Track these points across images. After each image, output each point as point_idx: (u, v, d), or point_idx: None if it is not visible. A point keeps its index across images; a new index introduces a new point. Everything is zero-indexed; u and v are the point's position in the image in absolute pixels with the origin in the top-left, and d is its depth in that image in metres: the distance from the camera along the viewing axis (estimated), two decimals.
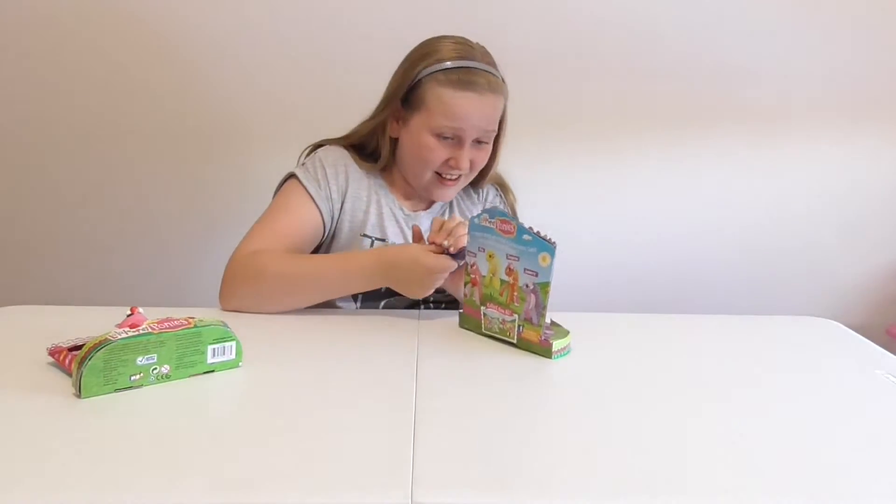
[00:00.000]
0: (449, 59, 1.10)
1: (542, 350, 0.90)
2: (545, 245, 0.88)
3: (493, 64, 1.14)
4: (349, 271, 1.04)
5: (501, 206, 1.27)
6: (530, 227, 0.90)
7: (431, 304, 1.18)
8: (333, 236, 1.16)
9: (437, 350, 0.91)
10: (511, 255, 0.92)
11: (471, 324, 0.99)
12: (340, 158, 1.17)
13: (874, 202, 1.88)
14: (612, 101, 1.78)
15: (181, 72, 1.70)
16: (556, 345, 0.89)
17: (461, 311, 1.01)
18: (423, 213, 1.21)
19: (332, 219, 1.15)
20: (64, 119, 1.72)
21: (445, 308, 1.17)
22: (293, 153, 1.24)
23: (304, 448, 0.63)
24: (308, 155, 1.21)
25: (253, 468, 0.59)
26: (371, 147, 1.19)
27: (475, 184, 1.24)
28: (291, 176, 1.15)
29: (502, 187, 1.28)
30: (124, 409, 0.70)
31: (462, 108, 1.09)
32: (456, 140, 1.11)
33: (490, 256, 0.94)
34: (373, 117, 1.18)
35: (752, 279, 1.90)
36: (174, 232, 1.81)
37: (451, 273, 0.98)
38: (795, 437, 0.70)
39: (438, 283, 0.99)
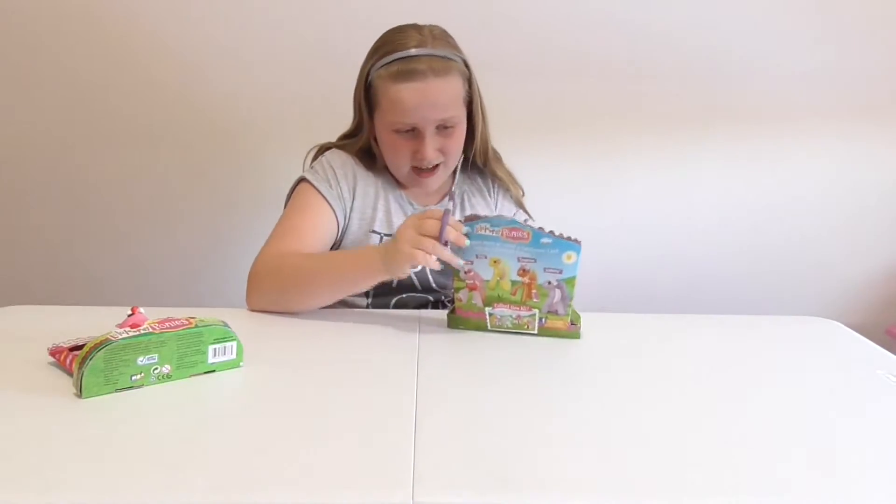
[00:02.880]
0: (391, 52, 1.09)
1: (570, 334, 0.96)
2: (569, 245, 0.90)
3: (448, 45, 1.11)
4: (357, 264, 1.02)
5: (512, 209, 1.26)
6: (549, 231, 0.91)
7: (440, 305, 1.19)
8: (343, 234, 1.17)
9: (438, 349, 0.91)
10: (524, 258, 0.92)
11: (468, 324, 0.99)
12: (347, 161, 1.18)
13: (874, 202, 1.88)
14: (610, 100, 1.78)
15: (184, 72, 1.70)
16: (580, 325, 0.96)
17: (450, 313, 1.01)
18: (434, 207, 1.21)
19: (345, 217, 1.16)
20: (65, 119, 1.72)
21: None
22: (296, 155, 1.25)
23: (306, 448, 0.63)
24: (314, 158, 1.22)
25: (254, 468, 0.59)
26: (370, 149, 1.20)
27: (476, 167, 1.23)
28: (302, 180, 1.16)
29: (509, 183, 1.25)
30: (125, 409, 0.70)
31: (407, 100, 1.07)
32: (416, 132, 1.10)
33: (495, 262, 0.93)
34: (353, 123, 1.20)
35: (752, 279, 1.90)
36: (176, 232, 1.81)
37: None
38: (795, 436, 0.70)
39: (418, 255, 0.91)
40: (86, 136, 1.74)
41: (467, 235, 0.92)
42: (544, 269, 0.92)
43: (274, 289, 1.04)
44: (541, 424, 0.71)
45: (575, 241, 0.90)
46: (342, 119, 1.22)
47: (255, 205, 1.77)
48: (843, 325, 1.09)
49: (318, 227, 1.12)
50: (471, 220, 0.93)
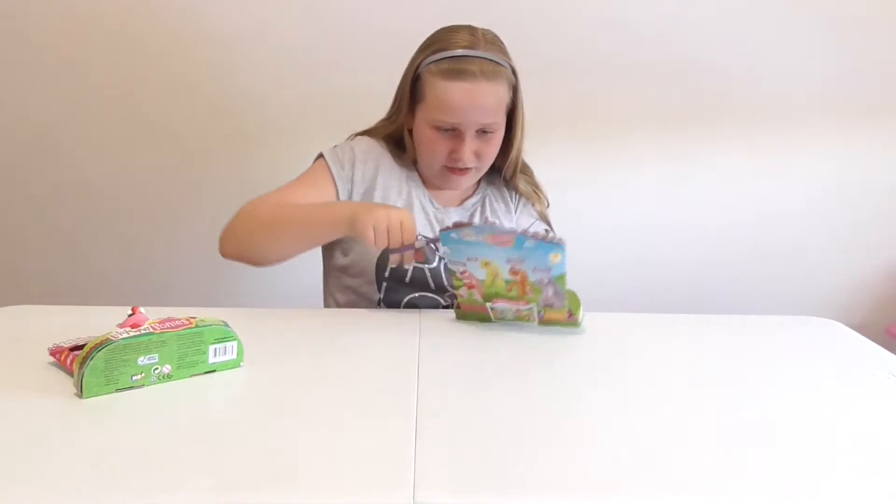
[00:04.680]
0: (445, 49, 1.09)
1: (570, 324, 0.96)
2: (553, 246, 0.89)
3: (500, 51, 1.12)
4: (324, 218, 1.07)
5: (530, 221, 1.26)
6: (533, 233, 0.90)
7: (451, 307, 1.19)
8: None
9: (439, 349, 0.91)
10: (513, 259, 0.92)
11: (473, 317, 1.00)
12: (374, 149, 1.19)
13: (874, 202, 1.88)
14: (611, 101, 1.78)
15: (186, 72, 1.70)
16: (580, 315, 0.96)
17: (457, 308, 1.02)
18: (453, 210, 1.22)
19: (349, 194, 1.17)
20: (66, 118, 1.72)
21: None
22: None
23: (306, 448, 0.63)
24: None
25: (254, 468, 0.59)
26: (399, 139, 1.21)
27: (504, 175, 1.23)
28: (320, 156, 1.18)
29: (532, 196, 1.26)
30: (126, 409, 0.70)
31: (454, 99, 1.08)
32: (456, 132, 1.11)
33: (486, 264, 0.94)
34: (391, 110, 1.20)
35: (752, 279, 1.90)
36: (177, 232, 1.80)
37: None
38: (795, 436, 0.70)
39: (378, 233, 0.99)
40: (87, 135, 1.73)
41: (455, 240, 0.94)
42: (533, 269, 0.92)
43: (241, 234, 1.08)
44: (542, 424, 0.71)
45: (558, 241, 0.89)
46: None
47: None
48: (843, 325, 1.09)
49: (313, 200, 1.13)
50: (457, 226, 0.94)
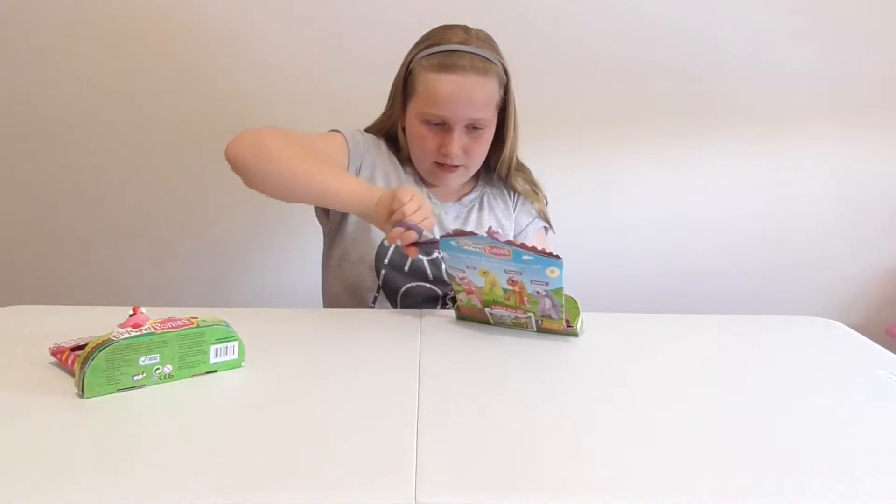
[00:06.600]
0: (436, 45, 1.11)
1: (568, 333, 0.95)
2: (551, 261, 0.89)
3: (492, 50, 1.13)
4: (356, 188, 1.04)
5: (528, 220, 1.26)
6: (531, 247, 0.90)
7: (446, 300, 1.19)
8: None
9: (440, 349, 0.91)
10: (510, 270, 0.92)
11: (473, 319, 1.01)
12: (381, 143, 1.21)
13: (874, 202, 1.88)
14: (610, 100, 1.78)
15: (187, 71, 1.70)
16: (578, 324, 0.95)
17: (457, 308, 1.02)
18: (451, 204, 1.22)
19: (356, 173, 1.16)
20: (65, 118, 1.72)
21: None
22: None
23: (307, 448, 0.63)
24: None
25: (255, 468, 0.59)
26: (395, 137, 1.22)
27: (498, 172, 1.24)
28: (334, 130, 1.18)
29: (530, 195, 1.26)
30: (127, 409, 0.70)
31: (443, 91, 1.09)
32: (445, 126, 1.11)
33: (484, 273, 0.94)
34: (386, 107, 1.21)
35: (752, 279, 1.90)
36: (177, 232, 1.80)
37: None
38: (795, 436, 0.70)
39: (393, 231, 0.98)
40: (87, 135, 1.73)
41: (454, 247, 0.94)
42: (531, 281, 0.92)
43: (270, 152, 1.03)
44: (543, 424, 0.71)
45: (556, 257, 0.89)
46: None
47: (260, 206, 1.75)
48: (843, 325, 1.09)
49: (327, 155, 1.12)
50: (457, 234, 0.94)
